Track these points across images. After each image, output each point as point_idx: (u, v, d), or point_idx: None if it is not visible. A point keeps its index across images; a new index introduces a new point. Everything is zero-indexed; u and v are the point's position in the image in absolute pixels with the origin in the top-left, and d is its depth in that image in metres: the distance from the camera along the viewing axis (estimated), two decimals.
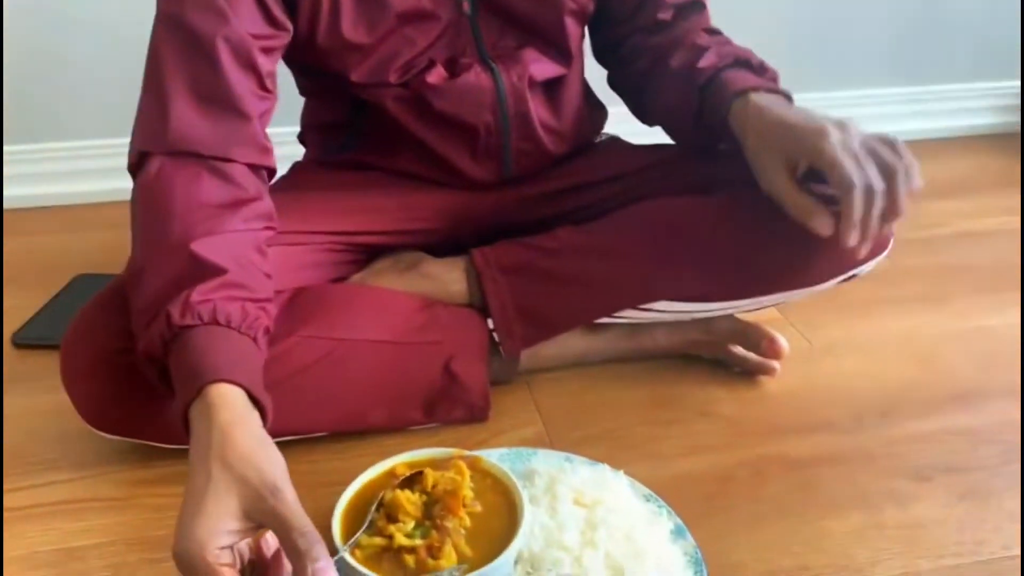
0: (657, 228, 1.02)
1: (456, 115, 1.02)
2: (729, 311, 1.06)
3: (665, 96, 1.05)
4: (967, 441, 0.98)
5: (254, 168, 0.87)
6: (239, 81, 0.86)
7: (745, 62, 0.99)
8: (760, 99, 0.93)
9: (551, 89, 1.08)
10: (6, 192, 1.64)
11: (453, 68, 1.01)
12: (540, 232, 1.06)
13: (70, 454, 0.96)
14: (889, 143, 0.85)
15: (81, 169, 1.66)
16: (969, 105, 2.02)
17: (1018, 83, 2.02)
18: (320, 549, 0.60)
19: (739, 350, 1.10)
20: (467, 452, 0.80)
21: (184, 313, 0.74)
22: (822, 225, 0.86)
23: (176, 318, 0.74)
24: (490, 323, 1.02)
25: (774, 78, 0.99)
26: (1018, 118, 2.04)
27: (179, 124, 0.83)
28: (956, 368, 1.12)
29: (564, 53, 1.07)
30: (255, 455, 0.65)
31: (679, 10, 1.08)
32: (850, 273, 1.02)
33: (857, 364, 1.13)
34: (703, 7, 1.09)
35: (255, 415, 0.71)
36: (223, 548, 0.61)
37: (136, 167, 0.86)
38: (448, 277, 1.05)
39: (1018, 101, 2.04)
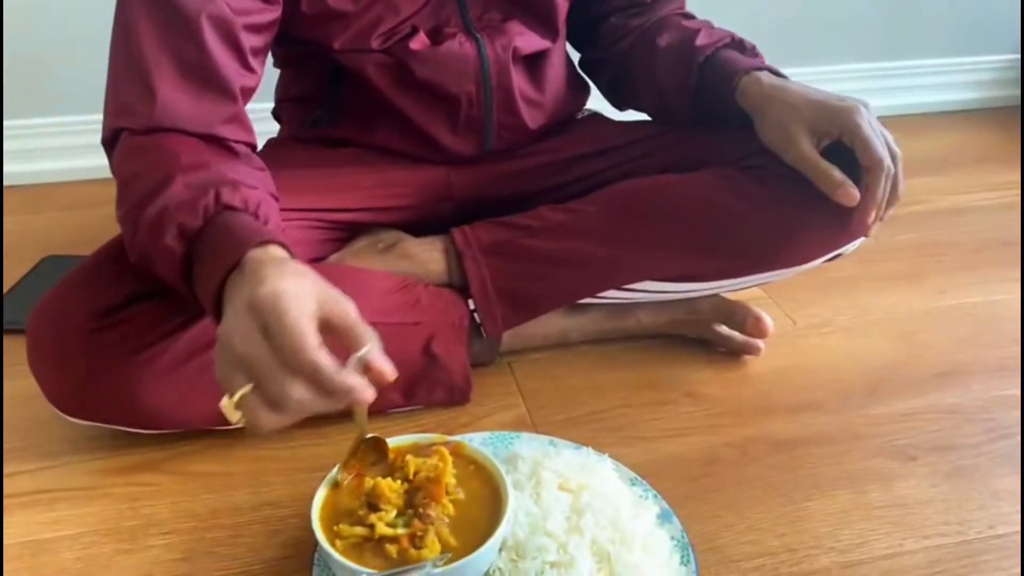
0: (641, 207, 1.01)
1: (438, 84, 1.00)
2: (714, 290, 1.05)
3: (655, 75, 1.05)
4: (952, 420, 0.97)
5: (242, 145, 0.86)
6: (222, 58, 0.83)
7: (738, 43, 1.02)
8: (770, 77, 0.96)
9: (534, 63, 1.07)
10: None
11: (436, 37, 0.99)
12: (521, 209, 1.04)
13: (37, 443, 0.93)
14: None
15: (47, 147, 1.61)
16: (947, 80, 2.02)
17: (996, 58, 2.02)
18: (376, 342, 0.63)
19: (724, 329, 1.09)
20: (449, 437, 0.78)
21: (234, 195, 0.74)
22: (849, 196, 0.89)
23: (226, 196, 0.74)
24: (471, 303, 1.00)
25: (762, 59, 1.01)
26: (996, 93, 2.05)
27: (161, 101, 0.80)
28: (939, 346, 1.12)
29: (550, 27, 1.06)
30: (326, 280, 0.66)
31: None
32: (836, 252, 1.01)
33: (842, 343, 1.12)
34: None
35: None
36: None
37: (111, 143, 0.83)
38: (427, 257, 1.03)
39: (996, 76, 2.04)
